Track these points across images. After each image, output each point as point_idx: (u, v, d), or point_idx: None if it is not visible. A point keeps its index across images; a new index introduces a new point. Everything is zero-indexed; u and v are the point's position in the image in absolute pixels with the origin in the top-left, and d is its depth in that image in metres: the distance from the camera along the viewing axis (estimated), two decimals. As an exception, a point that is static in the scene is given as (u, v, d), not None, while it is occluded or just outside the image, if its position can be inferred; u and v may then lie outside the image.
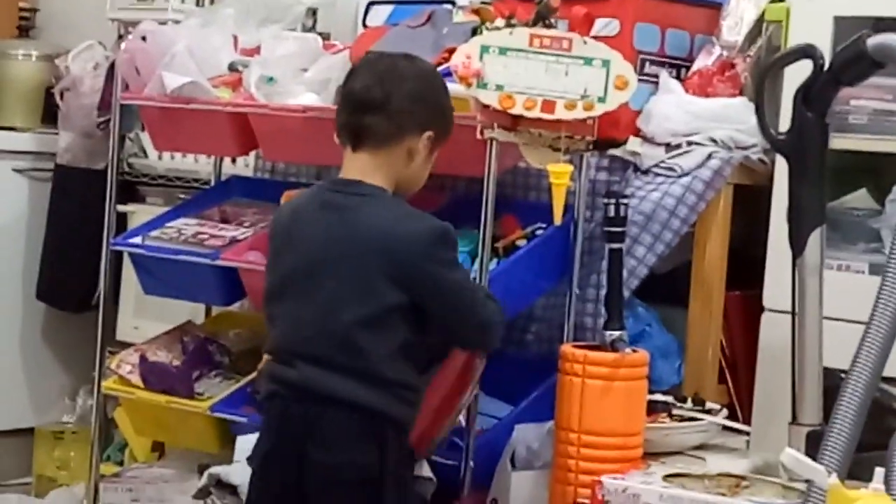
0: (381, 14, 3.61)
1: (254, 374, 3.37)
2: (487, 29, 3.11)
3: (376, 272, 2.66)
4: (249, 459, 2.80)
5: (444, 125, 2.80)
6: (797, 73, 2.84)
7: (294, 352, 2.71)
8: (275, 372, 2.76)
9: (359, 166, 2.75)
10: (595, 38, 3.05)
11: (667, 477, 2.78)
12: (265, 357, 3.33)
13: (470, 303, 2.75)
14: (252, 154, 3.78)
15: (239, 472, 3.08)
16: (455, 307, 2.74)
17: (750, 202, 3.26)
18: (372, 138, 2.73)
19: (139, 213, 4.25)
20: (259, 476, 2.76)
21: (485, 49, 2.99)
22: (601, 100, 2.98)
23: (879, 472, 2.08)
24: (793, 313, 2.85)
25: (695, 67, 3.39)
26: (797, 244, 2.82)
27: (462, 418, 2.98)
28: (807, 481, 2.38)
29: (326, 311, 2.67)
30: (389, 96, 2.71)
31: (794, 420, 2.82)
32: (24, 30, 4.99)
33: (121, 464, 4.25)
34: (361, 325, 2.65)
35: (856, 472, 2.36)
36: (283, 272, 2.78)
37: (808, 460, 2.12)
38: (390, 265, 2.66)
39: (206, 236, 3.47)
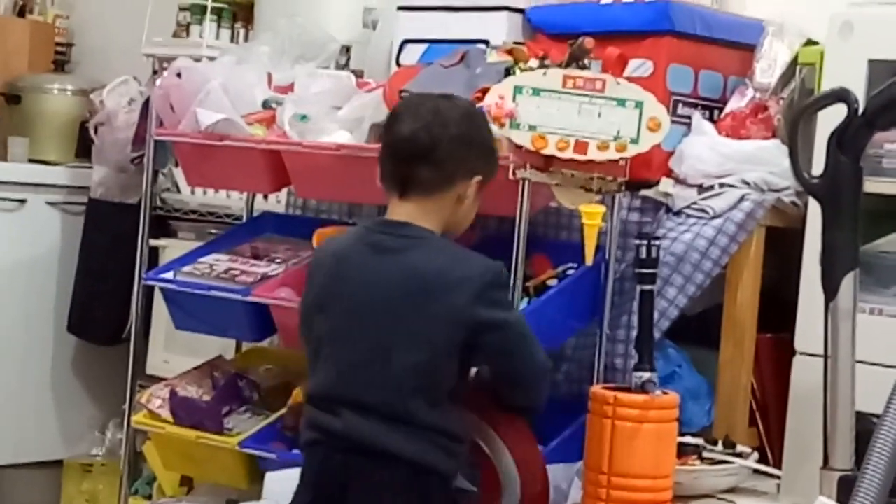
0: (414, 53, 3.62)
1: (283, 411, 3.39)
2: (521, 69, 3.12)
3: (432, 316, 2.60)
4: None
5: (492, 166, 2.78)
6: (831, 117, 2.84)
7: (339, 399, 2.65)
8: (316, 419, 2.69)
9: (407, 212, 2.70)
10: (628, 79, 3.06)
11: (697, 520, 2.77)
12: (294, 393, 3.36)
13: (528, 344, 2.69)
14: (284, 190, 3.79)
15: (267, 509, 3.09)
16: (514, 349, 2.68)
17: (782, 244, 3.25)
18: (420, 187, 2.68)
19: (171, 248, 4.26)
20: None
21: (518, 89, 3.00)
22: (634, 141, 2.98)
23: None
24: (825, 357, 2.83)
25: (728, 109, 3.39)
26: (830, 288, 2.81)
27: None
28: (839, 528, 2.36)
29: (378, 356, 2.62)
30: (437, 144, 2.65)
31: (826, 464, 2.80)
32: (60, 64, 5.04)
33: (149, 497, 4.25)
34: (414, 370, 2.60)
35: (888, 518, 2.34)
36: (331, 315, 2.70)
37: (841, 508, 2.10)
38: (448, 308, 2.60)
39: (237, 272, 3.48)
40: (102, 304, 4.47)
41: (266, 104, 3.54)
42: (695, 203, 3.24)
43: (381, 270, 2.67)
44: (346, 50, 3.94)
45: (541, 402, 2.78)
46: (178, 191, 4.46)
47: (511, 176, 2.96)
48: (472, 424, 2.78)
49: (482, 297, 2.62)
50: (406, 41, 3.66)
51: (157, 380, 3.79)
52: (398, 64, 3.64)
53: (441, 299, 2.61)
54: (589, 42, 3.04)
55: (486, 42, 3.40)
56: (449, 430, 2.63)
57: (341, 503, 2.62)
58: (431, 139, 2.66)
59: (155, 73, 4.43)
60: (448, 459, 2.63)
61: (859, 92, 2.85)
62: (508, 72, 3.18)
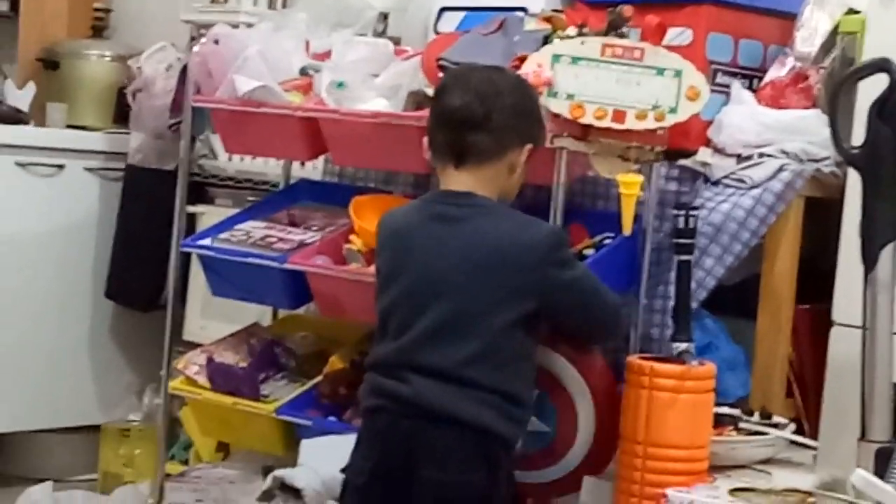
0: (452, 20, 3.60)
1: (319, 378, 3.40)
2: (559, 37, 3.10)
3: (503, 282, 2.68)
4: (345, 471, 2.79)
5: (542, 135, 2.85)
6: (872, 86, 2.82)
7: (408, 364, 2.69)
8: (383, 386, 2.73)
9: (464, 181, 2.76)
10: (667, 47, 3.04)
11: (733, 491, 2.77)
12: (330, 361, 3.37)
13: (598, 292, 2.81)
14: (321, 157, 3.79)
15: (303, 476, 3.09)
16: (588, 302, 2.79)
17: (821, 215, 3.23)
18: (476, 156, 2.74)
19: (208, 215, 4.28)
20: (363, 492, 2.74)
21: (556, 58, 2.99)
22: (672, 110, 2.97)
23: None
24: (863, 328, 2.82)
25: (767, 78, 3.37)
26: (869, 259, 2.80)
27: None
28: (876, 502, 2.35)
29: (450, 322, 2.67)
30: (490, 113, 2.72)
31: (863, 436, 2.79)
32: (98, 30, 5.05)
33: (186, 462, 4.28)
34: (487, 335, 2.66)
35: (925, 491, 2.34)
36: (399, 286, 2.76)
37: (880, 482, 2.10)
38: (519, 274, 2.68)
39: (274, 239, 3.48)
40: (140, 269, 4.49)
41: (303, 71, 3.53)
42: (733, 173, 3.22)
43: (448, 239, 2.73)
44: (384, 17, 3.93)
45: (620, 336, 3.00)
46: (216, 157, 4.46)
47: (548, 144, 2.95)
48: (555, 363, 2.91)
49: (551, 259, 2.71)
50: (444, 8, 3.64)
51: (193, 346, 3.81)
52: (436, 31, 3.63)
53: (511, 264, 2.68)
54: (628, 10, 3.02)
55: (524, 10, 3.39)
56: (513, 392, 2.69)
57: (406, 469, 2.66)
58: (486, 107, 2.72)
59: (193, 39, 4.43)
60: (510, 425, 2.69)
61: (901, 62, 2.83)
62: (547, 40, 3.16)
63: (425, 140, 2.82)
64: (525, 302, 2.69)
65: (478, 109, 2.72)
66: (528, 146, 2.78)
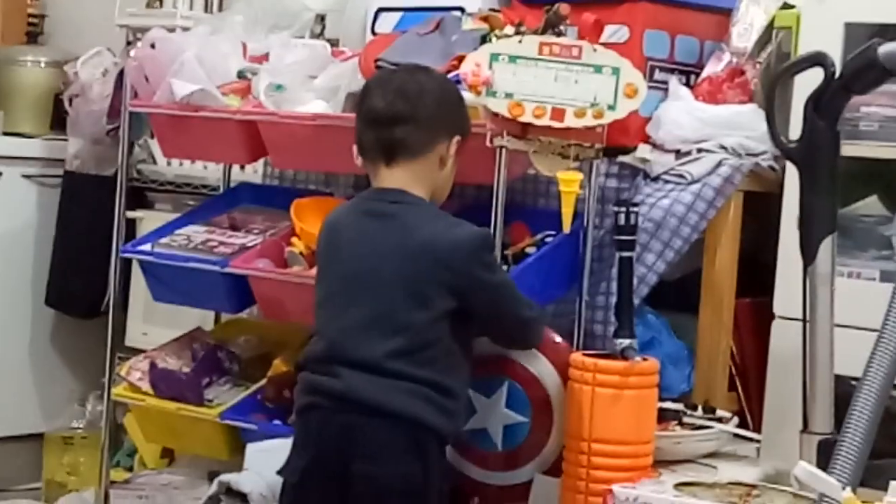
0: (389, 21, 3.60)
1: (263, 381, 3.39)
2: (497, 37, 3.11)
3: (429, 278, 2.69)
4: (281, 472, 2.78)
5: (467, 127, 2.86)
6: (808, 81, 2.84)
7: (340, 359, 2.70)
8: (315, 382, 2.74)
9: (396, 178, 2.78)
10: (605, 45, 3.05)
11: (678, 485, 2.78)
12: (274, 364, 3.36)
13: (514, 302, 2.81)
14: (261, 160, 3.77)
15: (249, 480, 3.09)
16: (501, 307, 2.79)
17: (760, 209, 3.25)
18: (406, 150, 2.76)
19: (148, 220, 4.25)
20: (297, 490, 2.74)
21: (494, 57, 2.99)
22: (611, 107, 2.98)
23: (894, 485, 2.07)
24: (804, 321, 2.84)
25: (704, 74, 3.38)
26: (808, 252, 2.82)
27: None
28: (820, 494, 2.37)
29: (378, 316, 2.69)
30: (416, 107, 2.75)
31: (806, 428, 2.82)
32: (33, 36, 5.00)
33: (130, 469, 4.26)
34: (413, 330, 2.67)
35: (867, 479, 2.36)
36: (328, 282, 2.80)
37: (822, 474, 2.11)
38: (443, 271, 2.69)
39: (215, 243, 3.47)
40: (80, 276, 4.45)
41: (241, 74, 3.51)
42: (672, 169, 3.24)
43: (377, 235, 2.75)
44: (321, 19, 3.92)
45: (530, 349, 2.95)
46: (155, 162, 4.44)
47: (488, 143, 2.96)
48: (529, 358, 2.95)
49: (476, 260, 2.73)
50: (381, 9, 3.64)
51: (136, 352, 3.78)
52: (373, 32, 3.62)
53: (436, 261, 2.69)
54: (565, 8, 3.03)
55: (461, 9, 3.39)
56: (444, 385, 2.69)
57: (340, 465, 2.66)
58: (411, 103, 2.76)
59: (129, 43, 4.40)
60: (443, 417, 2.69)
61: (836, 55, 2.85)
62: (484, 39, 3.17)
63: (354, 147, 2.83)
64: (447, 299, 2.70)
65: (403, 105, 2.75)
66: (457, 138, 2.80)
